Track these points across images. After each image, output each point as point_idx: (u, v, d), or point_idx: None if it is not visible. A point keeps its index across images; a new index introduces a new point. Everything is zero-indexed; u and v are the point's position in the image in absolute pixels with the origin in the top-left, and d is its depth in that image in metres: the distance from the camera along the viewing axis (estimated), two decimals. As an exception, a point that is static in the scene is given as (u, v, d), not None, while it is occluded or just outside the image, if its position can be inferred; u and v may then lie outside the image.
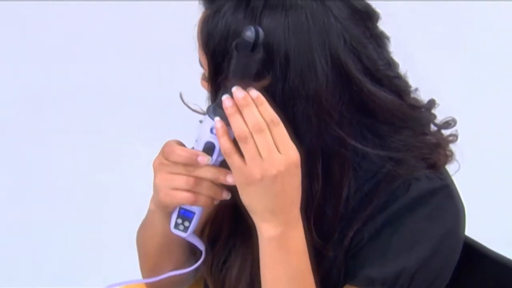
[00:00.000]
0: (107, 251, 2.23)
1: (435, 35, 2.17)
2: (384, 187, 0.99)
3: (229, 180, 0.96)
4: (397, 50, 1.02)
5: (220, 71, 0.95)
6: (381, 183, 0.99)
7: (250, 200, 0.94)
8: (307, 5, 0.93)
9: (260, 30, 0.90)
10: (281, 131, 0.91)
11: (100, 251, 2.25)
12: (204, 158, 0.95)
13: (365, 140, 0.98)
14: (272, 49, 0.93)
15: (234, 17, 0.94)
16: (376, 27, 1.00)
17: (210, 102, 1.00)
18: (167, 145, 0.99)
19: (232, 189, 0.97)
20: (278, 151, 0.91)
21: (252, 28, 0.89)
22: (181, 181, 0.97)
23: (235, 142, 0.92)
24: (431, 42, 2.14)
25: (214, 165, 0.97)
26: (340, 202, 0.99)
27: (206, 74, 0.98)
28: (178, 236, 1.02)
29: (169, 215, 1.02)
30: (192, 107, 1.06)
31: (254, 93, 0.91)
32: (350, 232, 0.99)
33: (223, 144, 0.92)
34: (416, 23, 2.06)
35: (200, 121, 1.01)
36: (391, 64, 0.99)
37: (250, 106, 0.91)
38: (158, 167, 1.00)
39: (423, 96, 1.05)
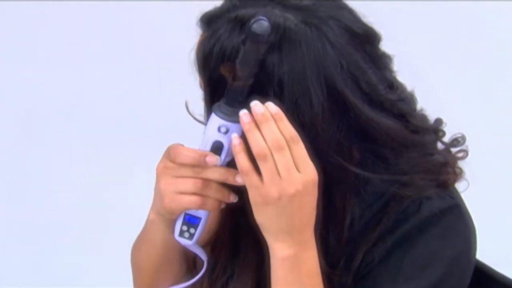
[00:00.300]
0: (107, 251, 2.18)
1: (440, 42, 2.15)
2: (394, 207, 0.97)
3: (239, 180, 0.93)
4: (402, 63, 0.99)
5: (217, 94, 0.93)
6: (390, 202, 0.97)
7: (265, 219, 0.91)
8: (301, 31, 0.91)
9: (265, 23, 0.88)
10: (301, 149, 0.90)
11: (100, 251, 2.23)
12: (212, 158, 0.93)
13: (367, 165, 0.96)
14: (266, 76, 0.91)
15: (230, 40, 0.92)
16: (377, 49, 0.97)
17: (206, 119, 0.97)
18: (172, 147, 0.96)
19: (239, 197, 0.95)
20: (297, 169, 0.89)
21: (261, 22, 0.88)
22: (188, 184, 0.95)
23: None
24: (437, 52, 2.12)
25: (222, 166, 0.94)
26: (343, 231, 0.97)
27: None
28: (180, 246, 0.99)
29: (172, 224, 0.99)
30: (198, 117, 1.04)
31: (273, 108, 0.89)
32: (358, 255, 0.97)
33: (241, 161, 0.90)
34: (420, 30, 2.06)
35: None
36: (393, 86, 0.97)
37: (269, 122, 0.89)
38: (162, 171, 0.97)
39: (431, 108, 1.02)
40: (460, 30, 2.14)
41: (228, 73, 0.91)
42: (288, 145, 0.89)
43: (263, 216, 0.91)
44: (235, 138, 0.90)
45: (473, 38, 2.15)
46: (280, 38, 0.91)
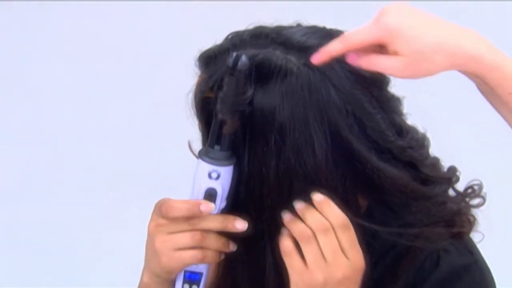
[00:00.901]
0: (107, 251, 2.20)
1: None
2: (409, 260, 0.91)
3: (239, 226, 0.88)
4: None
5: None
6: (404, 255, 0.91)
7: None
8: (304, 75, 0.86)
9: (243, 57, 0.84)
10: (351, 235, 0.85)
11: (100, 251, 2.21)
12: (208, 206, 0.88)
13: (374, 215, 0.90)
14: (266, 122, 0.86)
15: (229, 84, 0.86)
16: (385, 93, 0.92)
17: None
18: (161, 202, 0.90)
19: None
20: (344, 254, 0.85)
21: (239, 56, 0.84)
22: (186, 238, 0.89)
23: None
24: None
25: (218, 213, 0.89)
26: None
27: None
28: None
29: (170, 285, 0.93)
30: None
31: (319, 196, 0.85)
32: None
33: (284, 243, 0.86)
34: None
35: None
36: (403, 132, 0.91)
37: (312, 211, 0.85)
38: (155, 229, 0.91)
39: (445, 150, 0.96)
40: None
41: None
42: (336, 231, 0.85)
43: None
44: (287, 216, 0.86)
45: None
46: (282, 81, 0.86)
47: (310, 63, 0.86)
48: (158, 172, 2.13)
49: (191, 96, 0.92)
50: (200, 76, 0.92)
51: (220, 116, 0.85)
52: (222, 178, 0.87)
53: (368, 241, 0.90)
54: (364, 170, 0.87)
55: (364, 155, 0.87)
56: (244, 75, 0.84)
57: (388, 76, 0.91)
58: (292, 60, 0.87)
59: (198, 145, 0.93)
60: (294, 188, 0.86)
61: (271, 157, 0.86)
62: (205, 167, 0.87)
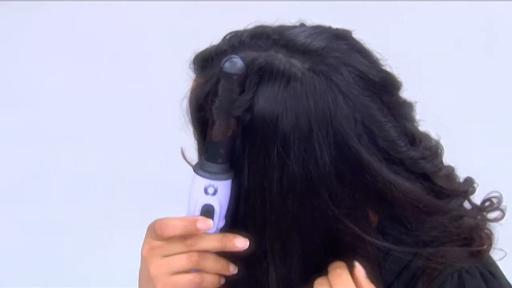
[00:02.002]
0: (107, 251, 2.17)
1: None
2: (426, 281, 0.85)
3: (239, 244, 0.82)
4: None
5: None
6: (421, 275, 0.85)
7: None
8: (308, 81, 0.79)
9: (240, 61, 0.78)
10: None
11: (100, 252, 2.19)
12: (205, 223, 0.81)
13: (387, 232, 0.84)
14: (268, 132, 0.79)
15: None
16: (397, 98, 0.85)
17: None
18: (155, 222, 0.83)
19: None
20: None
21: (233, 60, 0.78)
22: (182, 260, 0.83)
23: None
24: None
25: (216, 232, 0.83)
26: None
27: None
28: None
29: None
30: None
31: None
32: None
33: None
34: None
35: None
36: (415, 141, 0.84)
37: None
38: (149, 253, 0.84)
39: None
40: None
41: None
42: None
43: None
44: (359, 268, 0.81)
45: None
46: (285, 87, 0.79)
47: (316, 67, 0.80)
48: (158, 172, 2.09)
49: (185, 102, 0.86)
50: (195, 80, 0.86)
51: (215, 123, 0.79)
52: (219, 193, 0.81)
53: (380, 262, 0.84)
54: (375, 183, 0.80)
55: (374, 167, 0.80)
56: (240, 80, 0.78)
57: (399, 79, 0.85)
58: (296, 64, 0.80)
59: (191, 152, 0.88)
60: (296, 204, 0.80)
61: (273, 170, 0.79)
62: (201, 181, 0.81)
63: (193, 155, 0.93)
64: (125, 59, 2.12)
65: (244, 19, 0.88)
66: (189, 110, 0.85)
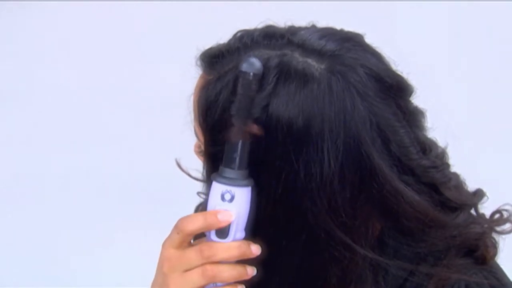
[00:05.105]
0: (107, 251, 2.16)
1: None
2: None
3: (255, 251, 0.79)
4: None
5: (219, 145, 0.78)
6: (427, 285, 0.82)
7: None
8: (326, 81, 0.76)
9: (258, 62, 0.76)
10: None
11: (100, 251, 2.18)
12: (226, 214, 0.77)
13: (386, 242, 0.81)
14: (282, 132, 0.76)
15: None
16: (410, 104, 0.82)
17: (206, 176, 0.83)
18: (178, 220, 0.80)
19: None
20: None
21: (251, 60, 0.76)
22: (197, 278, 0.78)
23: None
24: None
25: (234, 241, 0.79)
26: None
27: (202, 147, 0.82)
28: None
29: None
30: (193, 174, 0.92)
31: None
32: None
33: None
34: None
35: (198, 193, 0.88)
36: (426, 149, 0.82)
37: None
38: (168, 268, 0.80)
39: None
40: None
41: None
42: None
43: None
44: None
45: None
46: (302, 88, 0.76)
47: (333, 67, 0.77)
48: (158, 172, 2.07)
49: (192, 98, 0.83)
50: (202, 77, 0.82)
51: (233, 125, 0.76)
52: (237, 200, 0.78)
53: (377, 279, 0.81)
54: (381, 191, 0.78)
55: (384, 173, 0.77)
56: (258, 80, 0.76)
57: (411, 84, 0.82)
58: (313, 64, 0.78)
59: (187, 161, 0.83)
60: (295, 208, 0.77)
61: (281, 169, 0.77)
62: (218, 188, 0.78)
63: (189, 163, 0.90)
64: (124, 60, 2.11)
65: (245, 19, 0.87)
66: (197, 107, 0.81)
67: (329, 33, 0.81)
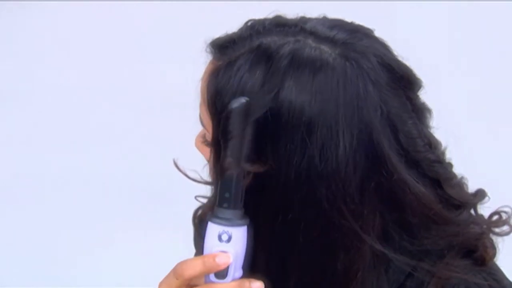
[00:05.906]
0: (107, 251, 2.16)
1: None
2: None
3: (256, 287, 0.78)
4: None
5: (227, 135, 0.77)
6: (427, 285, 0.82)
7: None
8: (340, 67, 0.76)
9: (244, 99, 0.75)
10: None
11: (100, 251, 2.18)
12: (223, 257, 0.77)
13: (389, 236, 0.81)
14: (293, 117, 0.75)
15: (252, 74, 0.76)
16: (418, 98, 0.82)
17: (209, 170, 0.84)
18: (176, 265, 0.79)
19: None
20: None
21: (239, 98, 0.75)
22: None
23: None
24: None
25: (233, 281, 0.78)
26: None
27: (207, 137, 0.82)
28: None
29: None
30: (190, 174, 0.92)
31: None
32: None
33: None
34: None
35: (196, 197, 0.88)
36: (431, 145, 0.82)
37: None
38: None
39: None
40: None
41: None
42: None
43: None
44: None
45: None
46: (315, 74, 0.76)
47: (346, 53, 0.77)
48: (158, 172, 2.07)
49: (200, 85, 0.82)
50: (212, 63, 0.82)
51: (231, 166, 0.75)
52: (234, 240, 0.77)
53: (379, 271, 0.81)
54: (389, 180, 0.78)
55: (393, 162, 0.77)
56: (247, 117, 0.75)
57: (420, 79, 0.83)
58: (327, 50, 0.77)
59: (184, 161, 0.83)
60: (307, 193, 0.77)
61: (294, 156, 0.76)
62: (214, 229, 0.77)
63: (188, 164, 0.90)
64: (124, 60, 2.10)
65: (245, 19, 0.86)
66: (206, 93, 0.80)
67: (341, 24, 0.82)
